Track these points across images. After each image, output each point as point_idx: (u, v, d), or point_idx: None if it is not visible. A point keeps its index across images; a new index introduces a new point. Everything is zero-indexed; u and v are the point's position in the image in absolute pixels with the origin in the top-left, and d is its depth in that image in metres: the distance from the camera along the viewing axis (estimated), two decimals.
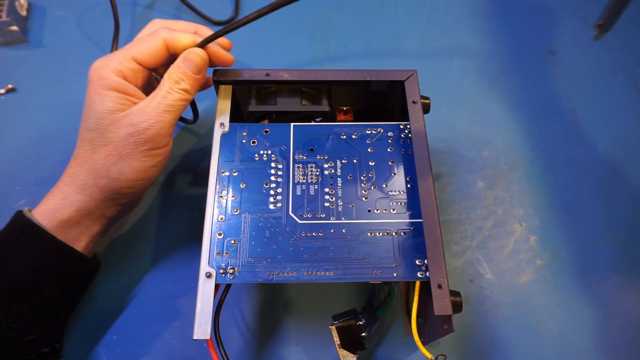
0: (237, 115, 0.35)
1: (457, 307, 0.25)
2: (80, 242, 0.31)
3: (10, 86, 0.43)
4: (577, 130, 0.43)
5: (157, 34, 0.30)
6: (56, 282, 0.30)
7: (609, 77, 0.46)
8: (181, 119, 0.39)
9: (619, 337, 0.34)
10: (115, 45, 0.44)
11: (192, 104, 0.37)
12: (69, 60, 0.45)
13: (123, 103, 0.29)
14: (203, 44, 0.30)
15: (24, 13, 0.47)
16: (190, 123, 0.39)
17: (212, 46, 0.31)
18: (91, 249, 0.32)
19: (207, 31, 0.32)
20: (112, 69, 0.29)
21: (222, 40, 0.32)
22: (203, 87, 0.34)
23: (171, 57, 0.31)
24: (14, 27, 0.45)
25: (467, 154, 0.42)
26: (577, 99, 0.45)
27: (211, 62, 0.32)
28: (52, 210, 0.29)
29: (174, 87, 0.29)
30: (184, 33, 0.30)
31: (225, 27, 0.29)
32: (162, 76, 0.33)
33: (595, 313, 0.35)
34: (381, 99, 0.35)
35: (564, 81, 0.46)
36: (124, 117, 0.29)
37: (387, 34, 0.49)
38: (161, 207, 0.39)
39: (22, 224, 0.29)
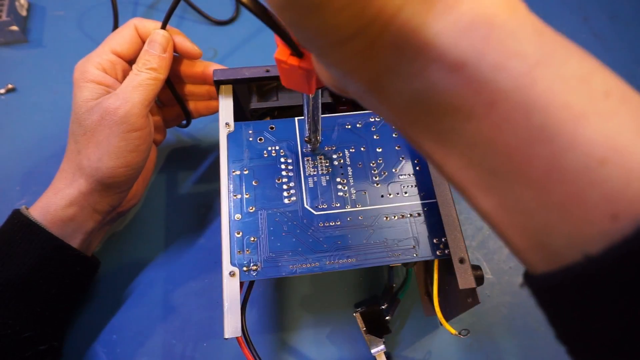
0: (239, 114, 0.35)
1: (479, 280, 0.26)
2: (75, 239, 0.31)
3: (10, 86, 0.43)
4: None
5: (129, 23, 0.32)
6: (53, 279, 0.30)
7: None
8: None
9: None
10: None
11: (183, 107, 0.36)
12: (69, 60, 0.44)
13: (100, 93, 0.30)
14: (164, 25, 0.32)
15: (24, 13, 0.47)
16: (183, 126, 0.39)
17: (178, 38, 0.32)
18: (88, 247, 0.32)
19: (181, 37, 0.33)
20: (93, 63, 0.30)
21: (191, 48, 0.33)
22: (198, 81, 0.35)
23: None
24: (14, 27, 0.44)
25: None
26: None
27: (180, 53, 0.33)
28: (46, 205, 0.30)
29: (142, 68, 0.30)
30: (153, 21, 0.32)
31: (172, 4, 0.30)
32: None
33: None
34: None
35: None
36: (97, 104, 0.29)
37: None
38: (162, 206, 0.39)
39: (19, 221, 0.29)
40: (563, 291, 0.13)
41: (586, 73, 0.12)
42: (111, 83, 0.30)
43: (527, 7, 0.13)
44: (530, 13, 0.13)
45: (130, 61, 0.32)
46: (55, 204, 0.30)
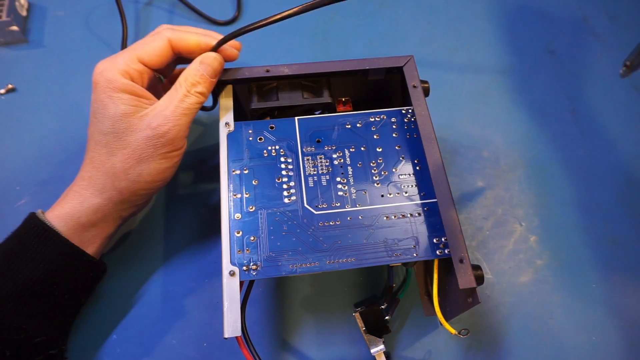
0: (239, 114, 0.35)
1: (479, 279, 0.26)
2: (93, 245, 0.31)
3: (10, 86, 0.43)
4: (577, 130, 0.44)
5: (162, 34, 0.30)
6: (66, 285, 0.30)
7: (609, 77, 0.46)
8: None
9: (619, 337, 0.35)
10: (124, 43, 0.45)
11: (213, 91, 0.35)
12: (69, 60, 0.45)
13: (136, 105, 0.29)
14: (217, 47, 0.31)
15: (24, 13, 0.47)
16: (209, 109, 0.37)
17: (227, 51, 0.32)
18: (101, 252, 0.32)
19: (213, 34, 0.32)
20: (119, 70, 0.29)
21: (233, 42, 0.32)
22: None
23: (175, 58, 0.32)
24: (14, 27, 0.44)
25: (467, 154, 0.42)
26: (577, 99, 0.45)
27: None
28: (70, 213, 0.29)
29: (192, 89, 0.29)
30: (189, 33, 0.31)
31: (240, 29, 0.29)
32: (165, 76, 0.34)
33: (595, 313, 0.35)
34: (379, 88, 0.36)
35: (564, 81, 0.46)
36: (140, 120, 0.29)
37: (387, 34, 0.49)
38: (162, 206, 0.38)
39: (35, 226, 0.29)
40: None
41: None
42: (142, 93, 0.30)
43: None
44: None
45: (157, 70, 0.31)
46: (80, 212, 0.29)
